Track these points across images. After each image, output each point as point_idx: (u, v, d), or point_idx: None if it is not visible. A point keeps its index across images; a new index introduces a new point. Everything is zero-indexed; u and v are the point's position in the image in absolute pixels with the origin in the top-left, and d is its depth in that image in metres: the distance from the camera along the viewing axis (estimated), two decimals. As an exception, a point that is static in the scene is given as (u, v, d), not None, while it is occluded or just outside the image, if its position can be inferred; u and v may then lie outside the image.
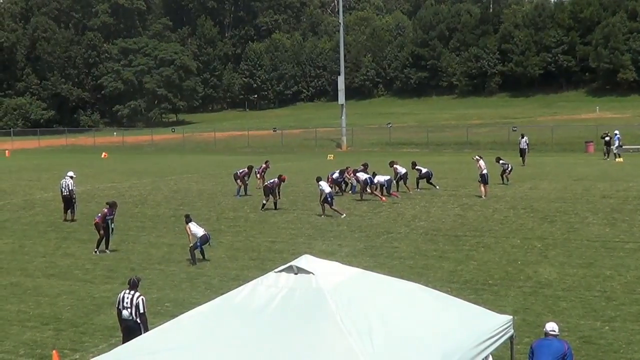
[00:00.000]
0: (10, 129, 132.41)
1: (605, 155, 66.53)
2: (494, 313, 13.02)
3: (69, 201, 38.89)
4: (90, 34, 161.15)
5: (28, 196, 48.61)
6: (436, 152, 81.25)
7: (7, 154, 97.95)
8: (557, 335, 14.29)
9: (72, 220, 38.43)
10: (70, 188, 38.81)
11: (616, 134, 67.38)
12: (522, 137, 63.31)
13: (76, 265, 28.64)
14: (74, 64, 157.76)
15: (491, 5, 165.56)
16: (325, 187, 38.16)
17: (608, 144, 66.97)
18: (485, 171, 42.59)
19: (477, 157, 45.00)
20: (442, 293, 13.62)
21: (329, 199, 37.54)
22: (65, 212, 38.94)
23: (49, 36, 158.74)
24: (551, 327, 14.27)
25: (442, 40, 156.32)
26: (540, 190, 45.35)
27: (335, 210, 37.43)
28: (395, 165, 46.06)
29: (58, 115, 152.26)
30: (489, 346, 11.70)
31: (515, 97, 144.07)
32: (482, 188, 42.52)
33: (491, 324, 12.15)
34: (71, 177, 39.39)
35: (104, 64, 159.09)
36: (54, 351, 17.05)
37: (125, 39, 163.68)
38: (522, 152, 62.62)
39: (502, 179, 48.19)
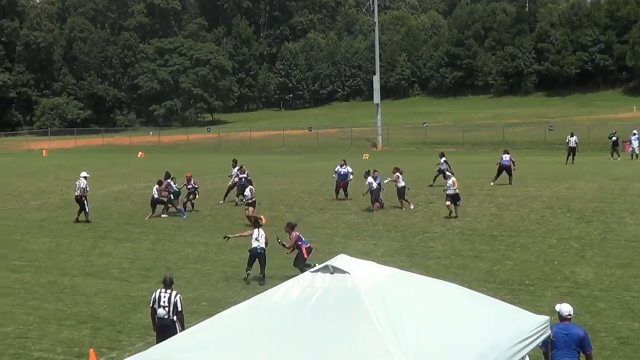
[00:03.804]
0: (47, 128, 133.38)
1: (612, 155, 65.89)
2: (531, 313, 12.94)
3: (80, 201, 38.76)
4: (126, 34, 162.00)
5: (65, 195, 48.88)
6: (472, 152, 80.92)
7: (44, 154, 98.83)
8: (572, 318, 14.08)
9: (86, 221, 38.29)
10: (81, 187, 38.67)
11: (635, 134, 66.72)
12: (572, 136, 62.68)
13: (113, 264, 28.83)
14: (110, 64, 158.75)
15: (527, 4, 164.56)
16: None
17: (616, 144, 66.44)
18: (454, 190, 36.59)
19: (448, 173, 39.27)
20: (478, 293, 13.57)
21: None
22: (79, 213, 38.80)
23: (85, 36, 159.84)
24: (567, 310, 14.01)
25: (478, 39, 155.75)
26: (577, 190, 45.05)
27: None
28: (397, 174, 40.01)
29: (94, 115, 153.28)
30: (525, 346, 11.62)
31: (551, 97, 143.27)
32: (451, 206, 36.65)
33: (528, 324, 12.07)
34: (85, 178, 39.20)
35: (140, 64, 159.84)
36: (91, 350, 17.14)
37: (161, 38, 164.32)
38: (572, 151, 61.98)
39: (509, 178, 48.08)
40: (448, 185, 36.81)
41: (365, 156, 76.08)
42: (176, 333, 15.27)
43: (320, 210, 40.35)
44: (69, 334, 20.36)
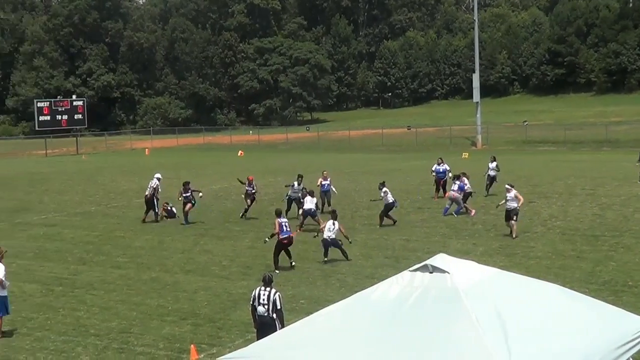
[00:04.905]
0: (150, 127, 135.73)
1: None
2: (635, 315, 12.69)
3: (149, 202, 39.20)
4: (227, 34, 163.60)
5: (167, 193, 49.62)
6: (574, 151, 79.69)
7: (147, 152, 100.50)
8: None
9: (156, 221, 39.01)
10: (152, 187, 39.24)
11: None
12: None
13: (213, 261, 29.17)
14: (211, 64, 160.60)
15: (631, 0, 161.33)
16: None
17: None
18: (513, 204, 31.90)
19: (507, 185, 33.20)
20: (580, 294, 13.35)
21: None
22: (146, 213, 39.29)
23: (186, 37, 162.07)
24: None
25: (580, 36, 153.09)
26: (683, 189, 44.02)
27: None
28: (463, 178, 38.66)
29: (196, 114, 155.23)
30: (629, 349, 11.40)
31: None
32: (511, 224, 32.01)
33: (633, 327, 11.83)
34: (158, 179, 39.89)
35: (240, 64, 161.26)
36: (192, 346, 17.40)
37: (261, 38, 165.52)
38: None
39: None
40: (509, 197, 31.88)
41: (465, 155, 75.57)
42: (276, 331, 15.40)
43: (418, 209, 40.21)
44: (171, 330, 20.67)
